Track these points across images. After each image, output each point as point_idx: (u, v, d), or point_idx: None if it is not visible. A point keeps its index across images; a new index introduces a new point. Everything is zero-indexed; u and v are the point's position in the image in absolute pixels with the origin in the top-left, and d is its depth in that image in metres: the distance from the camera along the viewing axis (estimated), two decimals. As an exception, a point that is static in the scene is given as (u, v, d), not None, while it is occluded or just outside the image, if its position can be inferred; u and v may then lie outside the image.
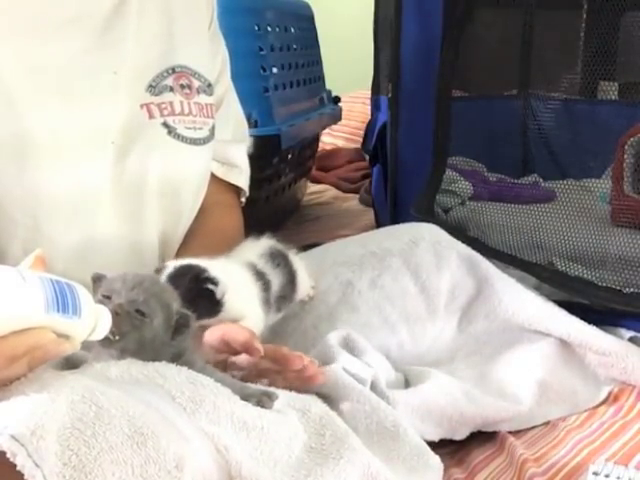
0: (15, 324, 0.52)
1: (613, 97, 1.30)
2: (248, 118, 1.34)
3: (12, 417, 0.49)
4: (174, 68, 0.87)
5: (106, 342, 0.59)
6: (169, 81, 0.86)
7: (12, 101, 0.75)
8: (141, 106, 0.83)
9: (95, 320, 0.56)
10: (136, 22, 0.84)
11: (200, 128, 0.89)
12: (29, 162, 0.75)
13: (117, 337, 0.60)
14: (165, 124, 0.84)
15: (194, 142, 0.88)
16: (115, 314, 0.59)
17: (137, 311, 0.61)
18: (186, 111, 0.87)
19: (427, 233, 0.96)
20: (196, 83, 0.89)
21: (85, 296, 0.55)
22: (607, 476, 0.74)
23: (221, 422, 0.59)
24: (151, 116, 0.83)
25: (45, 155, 0.76)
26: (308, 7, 1.80)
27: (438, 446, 0.81)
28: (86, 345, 0.58)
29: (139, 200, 0.83)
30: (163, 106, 0.84)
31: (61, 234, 0.78)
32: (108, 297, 0.60)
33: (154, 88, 0.84)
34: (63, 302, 0.53)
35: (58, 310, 0.53)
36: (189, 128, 0.87)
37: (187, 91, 0.87)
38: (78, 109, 0.78)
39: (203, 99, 0.90)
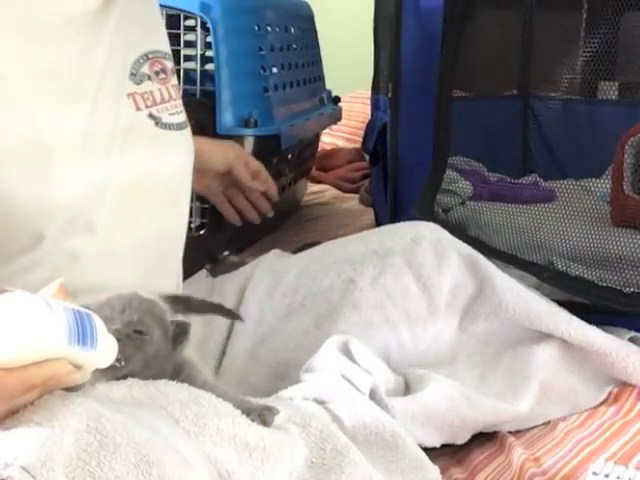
0: (39, 355, 0.52)
1: (613, 97, 1.30)
2: (248, 118, 1.34)
3: (21, 447, 0.49)
4: (147, 54, 0.86)
5: (112, 369, 0.59)
6: (145, 69, 0.85)
7: (19, 104, 0.74)
8: (128, 96, 0.82)
9: (105, 350, 0.56)
10: (121, 10, 0.83)
11: (181, 111, 0.89)
12: (37, 165, 0.74)
13: (123, 363, 0.60)
14: (151, 115, 0.84)
15: (179, 127, 0.87)
16: (116, 340, 0.58)
17: (135, 331, 0.61)
18: (166, 98, 0.86)
19: (428, 232, 0.96)
20: (169, 65, 0.89)
21: (101, 327, 0.55)
22: (607, 476, 0.74)
23: (224, 444, 0.59)
24: (138, 108, 0.82)
25: (52, 158, 0.75)
26: (308, 7, 1.79)
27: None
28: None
29: (141, 196, 0.82)
30: (146, 96, 0.84)
31: (62, 236, 0.77)
32: None
33: (135, 76, 0.83)
34: (83, 334, 0.53)
35: (78, 342, 0.53)
36: (172, 114, 0.86)
37: (162, 76, 0.87)
38: (80, 110, 0.78)
39: (174, 80, 0.89)
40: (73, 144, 0.75)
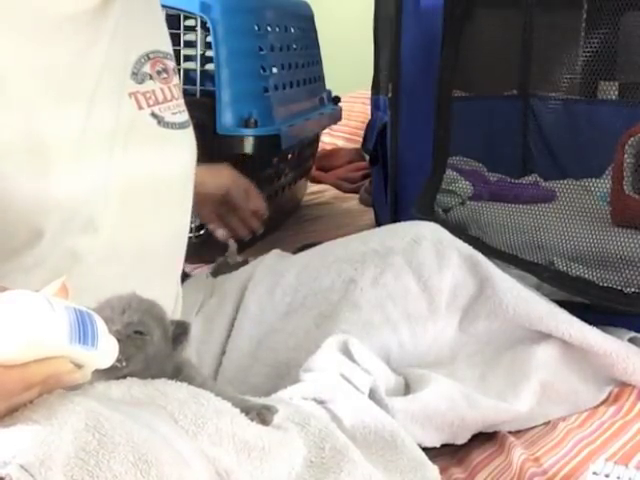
0: (40, 352, 0.51)
1: (613, 97, 1.30)
2: (248, 118, 1.34)
3: (20, 446, 0.49)
4: (148, 54, 0.86)
5: (113, 370, 0.59)
6: (147, 68, 0.85)
7: (16, 102, 0.74)
8: (129, 95, 0.82)
9: (106, 350, 0.56)
10: (120, 9, 0.83)
11: (183, 110, 0.89)
12: (35, 162, 0.74)
13: (124, 363, 0.60)
14: (153, 114, 0.84)
15: (182, 126, 0.87)
16: (117, 341, 0.58)
17: (136, 332, 0.61)
18: (168, 97, 0.86)
19: (429, 232, 0.96)
20: (170, 65, 0.89)
21: (102, 327, 0.55)
22: (607, 476, 0.74)
23: (223, 444, 0.59)
24: (140, 107, 0.82)
25: (49, 155, 0.74)
26: (308, 7, 1.80)
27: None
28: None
29: (145, 196, 0.82)
30: (148, 95, 0.84)
31: (61, 234, 0.77)
32: None
33: (136, 75, 0.83)
34: (84, 333, 0.53)
35: (79, 341, 0.52)
36: (175, 113, 0.87)
37: (164, 75, 0.87)
38: (77, 108, 0.78)
39: (177, 79, 0.90)
40: (71, 142, 0.75)
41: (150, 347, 0.62)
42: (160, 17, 0.94)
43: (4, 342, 0.50)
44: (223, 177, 1.17)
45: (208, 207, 1.16)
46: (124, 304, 0.62)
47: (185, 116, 0.89)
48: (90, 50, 0.79)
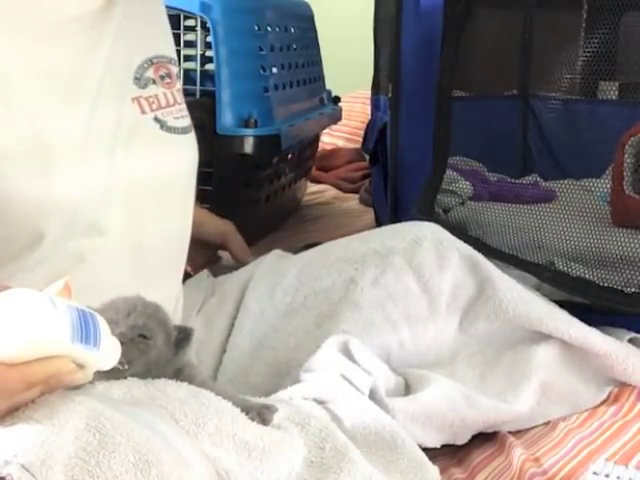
0: (42, 351, 0.51)
1: (613, 97, 1.30)
2: (248, 118, 1.34)
3: (21, 445, 0.49)
4: (152, 59, 0.86)
5: (115, 372, 0.59)
6: (150, 73, 0.85)
7: (20, 102, 0.74)
8: (132, 100, 0.82)
9: (108, 351, 0.56)
10: (122, 12, 0.83)
11: (185, 115, 0.89)
12: (38, 163, 0.74)
13: (126, 366, 0.60)
14: (156, 119, 0.84)
15: (184, 131, 0.88)
16: (120, 344, 0.58)
17: (140, 336, 0.61)
18: (171, 102, 0.87)
19: (429, 232, 0.95)
20: (174, 69, 0.89)
21: (104, 327, 0.55)
22: (607, 476, 0.74)
23: (223, 444, 0.59)
24: (143, 111, 0.83)
25: (53, 156, 0.74)
26: (308, 7, 1.80)
27: (438, 446, 0.82)
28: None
29: (147, 199, 0.82)
30: (151, 100, 0.84)
31: (63, 236, 0.77)
32: None
33: (139, 80, 0.84)
34: (86, 332, 0.53)
35: (81, 340, 0.52)
36: (177, 118, 0.87)
37: (168, 80, 0.87)
38: (80, 109, 0.78)
39: (179, 84, 0.90)
40: (74, 144, 0.75)
41: (153, 351, 0.62)
42: (165, 21, 0.94)
43: (6, 340, 0.50)
44: (224, 227, 1.13)
45: (203, 254, 1.12)
46: (129, 306, 0.62)
47: (187, 121, 0.89)
48: (93, 52, 0.80)
